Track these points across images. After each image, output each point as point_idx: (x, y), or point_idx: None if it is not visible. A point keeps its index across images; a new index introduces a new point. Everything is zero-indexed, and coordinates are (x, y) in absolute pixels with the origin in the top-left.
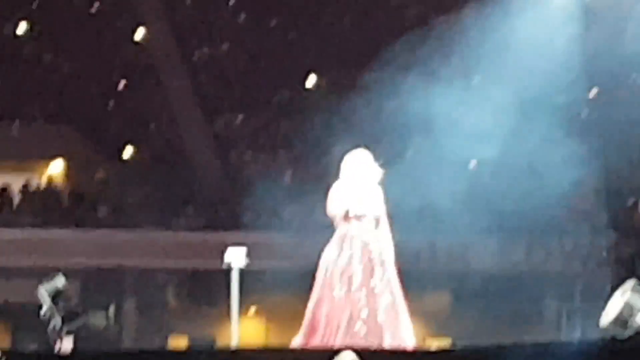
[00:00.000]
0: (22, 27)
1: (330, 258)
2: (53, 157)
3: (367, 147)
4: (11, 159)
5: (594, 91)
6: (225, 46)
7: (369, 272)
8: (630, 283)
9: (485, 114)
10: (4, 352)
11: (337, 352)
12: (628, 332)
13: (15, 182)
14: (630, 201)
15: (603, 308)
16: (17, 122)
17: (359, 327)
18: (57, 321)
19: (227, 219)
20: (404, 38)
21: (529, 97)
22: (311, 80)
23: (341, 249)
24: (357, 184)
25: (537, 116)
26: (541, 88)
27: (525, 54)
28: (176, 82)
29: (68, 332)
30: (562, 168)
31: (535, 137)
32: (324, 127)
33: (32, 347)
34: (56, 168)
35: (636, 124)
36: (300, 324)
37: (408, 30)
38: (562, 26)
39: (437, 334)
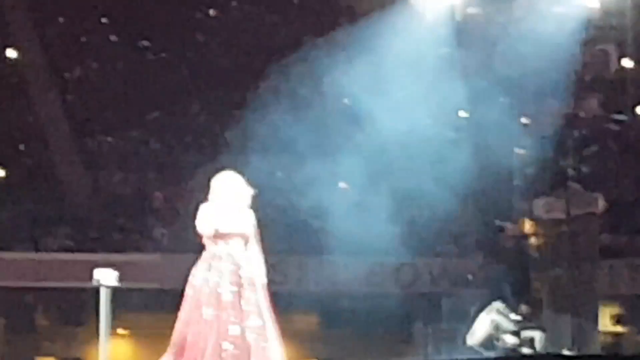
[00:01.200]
0: None
1: (198, 278)
2: None
3: (236, 168)
4: None
5: (462, 113)
6: (96, 66)
7: (238, 292)
8: (496, 304)
9: (354, 136)
10: None
11: None
12: (494, 352)
13: None
14: (498, 224)
15: (469, 328)
16: None
17: (227, 348)
18: None
19: (97, 239)
20: (275, 59)
21: (399, 117)
22: (183, 102)
23: (210, 269)
24: (227, 205)
25: (407, 137)
26: (410, 109)
27: (395, 75)
28: (46, 102)
29: None
30: (430, 189)
31: (403, 158)
32: (194, 148)
33: None
34: None
35: (504, 147)
36: (168, 344)
37: (280, 51)
38: (432, 47)
39: (306, 355)
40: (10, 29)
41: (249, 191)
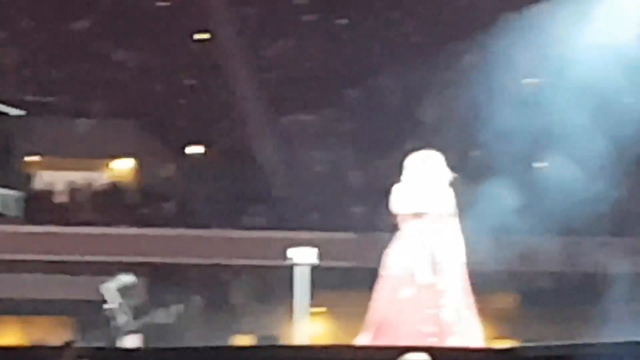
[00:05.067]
0: (88, 23)
1: (394, 257)
2: (121, 154)
3: (433, 146)
4: (78, 157)
5: None
6: (292, 44)
7: (435, 272)
8: None
9: (551, 114)
10: (80, 349)
11: (404, 350)
12: None
13: (81, 180)
14: None
15: None
16: (85, 119)
17: (424, 329)
18: (124, 318)
19: (293, 217)
20: (471, 36)
21: (596, 97)
22: (380, 79)
23: (406, 248)
24: (423, 184)
25: (605, 117)
26: (608, 88)
27: (592, 53)
28: (243, 81)
29: (135, 330)
30: (631, 168)
31: (602, 138)
32: (391, 126)
33: (97, 344)
34: (124, 165)
35: None
36: (365, 323)
37: (476, 28)
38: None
39: (506, 335)
40: (205, 10)
41: (447, 170)
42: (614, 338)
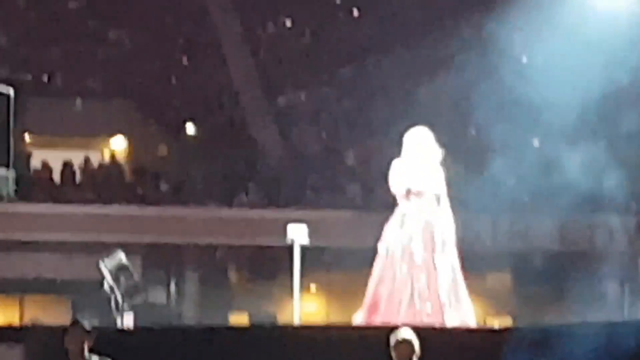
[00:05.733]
0: (83, 2)
1: (391, 236)
2: (115, 133)
3: (428, 124)
4: (73, 135)
5: None
6: (288, 23)
7: (430, 250)
8: None
9: (547, 93)
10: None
11: (395, 329)
12: None
13: (77, 158)
14: None
15: None
16: (79, 98)
17: (420, 305)
18: (118, 297)
19: (289, 196)
20: (467, 15)
21: (593, 74)
22: (375, 58)
23: (402, 226)
24: (419, 162)
25: (603, 95)
26: (605, 65)
27: (589, 32)
28: (239, 59)
29: (129, 308)
30: (626, 146)
31: (599, 117)
32: (385, 104)
33: (93, 322)
34: (118, 144)
35: None
36: (360, 302)
37: (472, 7)
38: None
39: (498, 313)
40: None
41: (440, 149)
42: (608, 318)
